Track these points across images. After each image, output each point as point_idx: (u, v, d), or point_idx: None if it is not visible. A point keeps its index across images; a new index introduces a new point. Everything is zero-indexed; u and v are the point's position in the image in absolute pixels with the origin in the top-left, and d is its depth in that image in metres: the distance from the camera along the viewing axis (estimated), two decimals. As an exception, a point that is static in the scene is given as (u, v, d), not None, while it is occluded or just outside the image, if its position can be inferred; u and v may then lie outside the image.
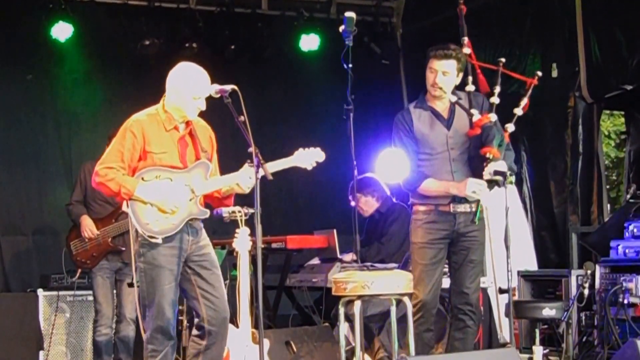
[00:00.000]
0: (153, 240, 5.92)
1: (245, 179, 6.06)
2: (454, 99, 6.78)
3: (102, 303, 8.23)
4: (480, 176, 6.58)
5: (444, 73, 6.66)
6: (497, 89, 6.82)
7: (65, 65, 10.16)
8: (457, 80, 6.78)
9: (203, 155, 6.14)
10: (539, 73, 7.05)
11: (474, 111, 6.72)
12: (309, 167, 6.29)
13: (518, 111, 6.90)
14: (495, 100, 6.77)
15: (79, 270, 8.49)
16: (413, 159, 6.80)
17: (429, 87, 6.75)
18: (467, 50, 6.91)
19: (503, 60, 6.96)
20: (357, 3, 11.02)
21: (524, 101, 6.91)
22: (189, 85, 6.05)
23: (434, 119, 6.78)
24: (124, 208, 6.12)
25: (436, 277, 6.71)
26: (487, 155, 6.54)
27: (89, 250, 8.23)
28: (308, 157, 6.28)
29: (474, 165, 6.70)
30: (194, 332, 6.15)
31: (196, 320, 6.14)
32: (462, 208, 6.70)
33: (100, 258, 8.22)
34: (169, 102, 6.10)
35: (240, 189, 6.14)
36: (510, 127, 6.80)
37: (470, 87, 6.83)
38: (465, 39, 6.96)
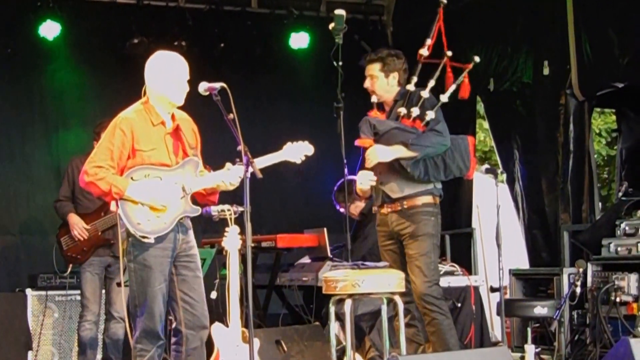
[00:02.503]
0: (145, 241, 5.87)
1: (234, 177, 6.03)
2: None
3: (89, 298, 8.19)
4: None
5: (370, 77, 6.99)
6: (431, 83, 6.93)
7: (53, 64, 10.13)
8: (392, 81, 6.98)
9: (191, 152, 6.10)
10: (477, 58, 7.05)
11: (401, 109, 6.86)
12: (299, 161, 6.29)
13: (444, 98, 6.95)
14: (424, 94, 6.85)
15: (70, 266, 8.44)
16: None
17: None
18: (424, 51, 6.99)
19: (449, 53, 6.97)
20: (347, 1, 10.98)
21: (452, 87, 6.90)
22: (168, 68, 6.05)
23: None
24: (113, 208, 6.05)
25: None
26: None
27: (80, 245, 8.18)
28: (297, 151, 6.28)
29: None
30: (172, 339, 6.11)
31: (173, 324, 6.10)
32: (390, 208, 6.87)
33: (91, 252, 8.18)
34: (153, 93, 6.08)
35: (224, 186, 6.11)
36: (430, 114, 6.82)
37: (411, 87, 6.94)
38: (428, 41, 7.05)
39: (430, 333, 6.78)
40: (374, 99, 6.99)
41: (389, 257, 6.90)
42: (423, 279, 6.72)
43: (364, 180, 6.83)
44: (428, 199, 6.84)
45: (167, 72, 6.04)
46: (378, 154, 6.70)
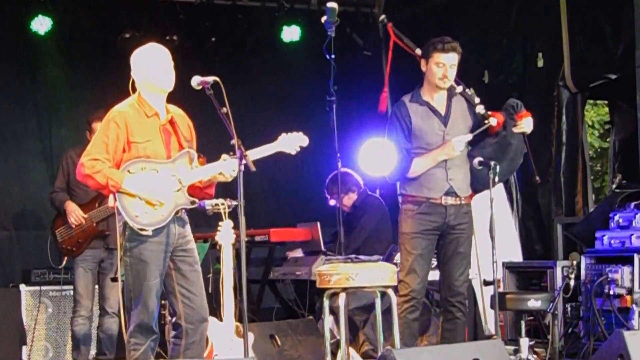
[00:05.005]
0: (144, 233, 5.86)
1: (228, 169, 6.02)
2: (460, 89, 6.91)
3: (82, 294, 8.19)
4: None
5: (451, 66, 6.76)
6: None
7: (45, 58, 10.11)
8: None
9: (186, 144, 6.09)
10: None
11: (477, 98, 6.88)
12: (293, 152, 6.28)
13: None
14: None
15: (65, 259, 8.42)
16: (402, 152, 6.83)
17: (437, 81, 6.79)
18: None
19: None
20: (338, -7, 10.95)
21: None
22: (149, 57, 6.08)
23: (431, 114, 6.85)
24: (110, 202, 6.04)
25: (426, 267, 6.79)
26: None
27: (75, 237, 8.17)
28: (292, 142, 6.26)
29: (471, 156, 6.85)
30: (172, 332, 6.11)
31: (173, 318, 6.09)
32: (453, 201, 6.78)
33: (86, 244, 8.17)
34: (142, 85, 6.08)
35: (224, 177, 6.10)
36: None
37: (459, 89, 6.90)
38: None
39: (447, 330, 6.84)
40: (445, 84, 6.80)
41: (429, 244, 6.80)
42: (466, 278, 6.88)
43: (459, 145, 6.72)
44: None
45: (148, 60, 6.06)
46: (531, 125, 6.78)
